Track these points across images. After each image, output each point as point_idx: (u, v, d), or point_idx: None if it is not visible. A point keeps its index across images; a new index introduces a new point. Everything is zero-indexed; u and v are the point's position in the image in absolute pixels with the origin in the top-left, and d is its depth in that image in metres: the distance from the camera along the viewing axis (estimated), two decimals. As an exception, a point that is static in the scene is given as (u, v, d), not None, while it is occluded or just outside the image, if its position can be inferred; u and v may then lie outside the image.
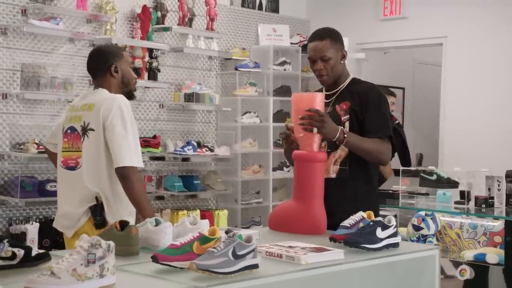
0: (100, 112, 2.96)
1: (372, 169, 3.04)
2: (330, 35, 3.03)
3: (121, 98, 3.02)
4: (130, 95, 3.15)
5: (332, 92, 3.07)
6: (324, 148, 2.97)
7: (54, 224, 3.20)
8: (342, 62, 3.03)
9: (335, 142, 2.90)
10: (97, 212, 2.96)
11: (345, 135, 2.85)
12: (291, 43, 6.86)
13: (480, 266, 4.40)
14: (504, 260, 4.20)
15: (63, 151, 3.12)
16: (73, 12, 5.21)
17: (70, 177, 3.06)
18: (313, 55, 3.01)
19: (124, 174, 2.91)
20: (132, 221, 2.94)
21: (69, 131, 3.08)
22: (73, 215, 3.01)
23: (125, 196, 2.98)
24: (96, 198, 2.97)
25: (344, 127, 2.94)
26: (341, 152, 2.97)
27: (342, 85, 3.06)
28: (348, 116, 2.97)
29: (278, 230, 2.81)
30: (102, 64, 3.11)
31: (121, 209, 2.98)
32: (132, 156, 2.92)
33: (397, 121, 4.47)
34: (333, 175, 2.97)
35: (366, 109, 2.96)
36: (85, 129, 3.01)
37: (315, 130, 2.77)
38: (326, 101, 3.04)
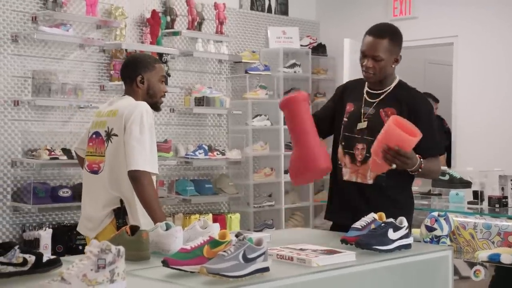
0: (123, 118, 3.01)
1: (409, 177, 2.90)
2: (390, 35, 2.86)
3: (144, 104, 3.06)
4: (155, 107, 3.19)
5: (376, 92, 2.93)
6: (361, 151, 2.87)
7: (78, 228, 3.27)
8: (393, 65, 2.89)
9: None
10: (120, 215, 3.01)
11: (421, 169, 2.74)
12: (301, 45, 6.85)
13: (503, 267, 4.35)
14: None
15: (87, 155, 3.20)
16: (83, 18, 5.24)
17: (93, 180, 3.13)
18: (366, 50, 2.84)
19: (135, 178, 2.93)
20: (150, 226, 2.95)
21: (94, 136, 3.16)
22: (96, 218, 3.07)
23: None
24: (121, 200, 3.02)
25: None
26: None
27: (388, 88, 2.91)
28: None
29: (298, 183, 2.95)
30: (130, 73, 3.17)
31: (141, 214, 2.99)
32: (146, 160, 2.94)
33: (447, 126, 4.47)
34: (370, 181, 2.88)
35: (417, 125, 2.76)
36: (109, 135, 3.07)
37: (394, 165, 2.66)
38: (370, 100, 2.92)
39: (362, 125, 2.88)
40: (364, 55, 2.87)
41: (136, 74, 3.14)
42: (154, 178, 3.05)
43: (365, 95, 2.96)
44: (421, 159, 2.74)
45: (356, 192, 2.90)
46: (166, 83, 5.33)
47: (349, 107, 2.99)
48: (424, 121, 2.84)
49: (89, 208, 3.15)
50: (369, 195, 2.88)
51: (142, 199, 2.95)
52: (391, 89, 2.92)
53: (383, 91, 2.93)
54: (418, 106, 2.86)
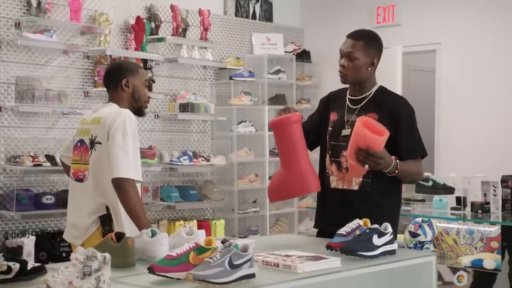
0: (106, 125, 3.00)
1: (395, 181, 2.94)
2: (366, 38, 2.94)
3: (127, 112, 3.06)
4: (139, 112, 3.19)
5: (357, 98, 2.98)
6: (346, 158, 2.87)
7: (64, 235, 3.26)
8: (369, 69, 2.93)
9: None
10: (106, 222, 3.01)
11: (397, 170, 2.78)
12: (285, 52, 6.88)
13: (482, 272, 4.39)
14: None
15: (73, 163, 3.19)
16: (67, 24, 5.22)
17: (79, 188, 3.12)
18: (342, 49, 2.95)
19: (119, 185, 2.92)
20: (136, 233, 2.95)
21: (79, 144, 3.15)
22: (82, 225, 3.06)
23: None
24: (107, 207, 3.01)
25: None
26: None
27: (369, 93, 2.96)
28: None
29: (277, 200, 2.92)
30: (115, 78, 3.16)
31: (127, 221, 2.98)
32: (129, 168, 2.94)
33: None
34: (356, 187, 2.91)
35: (399, 128, 2.86)
36: (93, 142, 3.06)
37: (366, 166, 2.71)
38: (352, 107, 2.97)
39: (346, 132, 2.91)
40: (341, 54, 2.96)
41: (120, 78, 3.14)
42: (138, 185, 3.05)
43: (347, 102, 3.00)
44: (397, 161, 2.78)
45: (342, 199, 2.92)
46: (150, 90, 5.33)
47: (333, 116, 3.03)
48: (405, 125, 2.90)
49: (75, 215, 3.13)
50: (354, 201, 2.90)
51: (127, 206, 2.94)
52: (371, 94, 2.97)
53: (363, 97, 2.97)
54: (399, 110, 2.91)
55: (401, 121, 2.89)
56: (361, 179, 2.89)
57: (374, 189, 2.89)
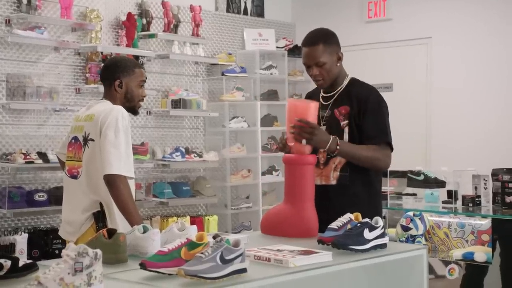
0: (99, 122, 3.01)
1: (373, 173, 2.96)
2: (322, 39, 2.92)
3: (119, 108, 3.06)
4: (133, 111, 3.20)
5: (330, 94, 2.99)
6: (323, 154, 2.91)
7: (59, 232, 3.28)
8: (338, 64, 2.94)
9: None
10: (99, 218, 3.01)
11: (338, 146, 2.79)
12: (277, 47, 6.88)
13: (476, 265, 4.42)
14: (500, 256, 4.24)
15: (67, 160, 3.20)
16: (58, 21, 5.21)
17: (73, 185, 3.13)
18: (307, 61, 2.93)
19: (110, 182, 2.93)
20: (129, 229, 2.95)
21: (73, 141, 3.16)
22: (76, 222, 3.07)
23: None
24: (101, 204, 3.02)
25: (344, 133, 2.89)
26: (341, 158, 2.90)
27: (340, 87, 2.98)
28: (348, 121, 2.91)
29: (270, 234, 2.80)
30: (109, 76, 3.17)
31: (120, 217, 2.99)
32: (121, 164, 2.94)
33: None
34: (334, 182, 2.92)
35: (364, 114, 2.89)
36: (86, 139, 3.07)
37: (304, 141, 2.73)
38: (325, 103, 2.99)
39: (322, 128, 2.91)
40: (307, 66, 2.96)
41: (114, 77, 3.14)
42: (132, 181, 3.05)
43: (321, 99, 3.03)
44: (337, 138, 2.80)
45: (322, 195, 2.90)
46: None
47: None
48: (369, 111, 2.90)
49: (69, 212, 3.15)
50: (335, 195, 2.91)
51: (118, 203, 2.94)
52: (343, 88, 2.99)
53: (336, 91, 2.99)
54: (366, 98, 2.92)
55: (367, 107, 2.90)
56: (338, 173, 2.91)
57: (352, 182, 2.90)
